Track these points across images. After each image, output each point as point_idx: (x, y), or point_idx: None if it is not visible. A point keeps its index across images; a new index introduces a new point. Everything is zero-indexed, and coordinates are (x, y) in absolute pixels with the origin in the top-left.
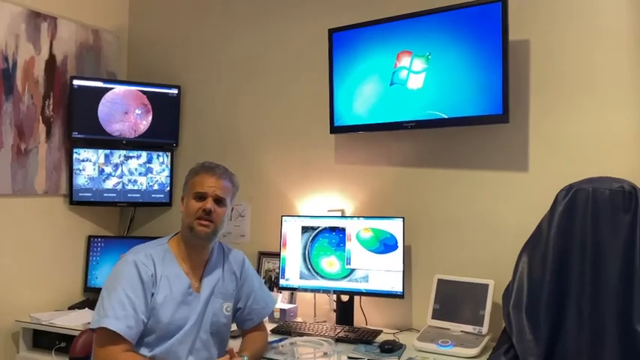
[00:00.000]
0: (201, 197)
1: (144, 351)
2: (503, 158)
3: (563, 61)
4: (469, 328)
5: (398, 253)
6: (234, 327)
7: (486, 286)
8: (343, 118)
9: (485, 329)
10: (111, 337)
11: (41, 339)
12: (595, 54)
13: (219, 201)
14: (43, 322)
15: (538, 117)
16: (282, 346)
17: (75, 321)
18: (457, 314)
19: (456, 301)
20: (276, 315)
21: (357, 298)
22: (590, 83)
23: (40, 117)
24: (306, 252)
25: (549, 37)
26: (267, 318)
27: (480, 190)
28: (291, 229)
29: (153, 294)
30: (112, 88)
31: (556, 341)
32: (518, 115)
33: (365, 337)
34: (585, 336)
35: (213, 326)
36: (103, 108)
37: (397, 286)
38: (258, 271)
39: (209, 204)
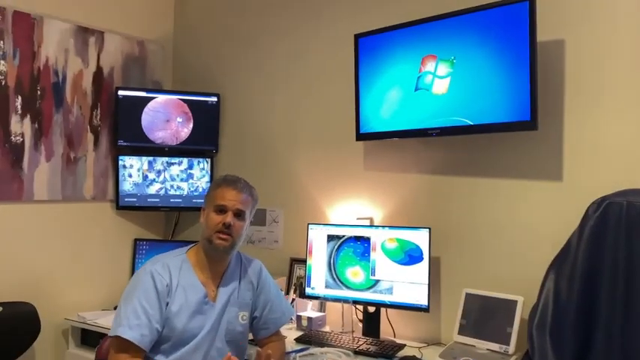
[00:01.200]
0: (222, 210)
1: (160, 358)
2: (536, 167)
3: (602, 62)
4: (495, 346)
5: (423, 265)
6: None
7: (515, 302)
8: (369, 125)
9: (511, 348)
10: (123, 344)
11: (88, 336)
12: (638, 54)
13: (238, 215)
14: (88, 321)
15: (574, 122)
16: (300, 356)
17: None
18: (484, 331)
19: (483, 317)
20: (304, 323)
21: (383, 309)
22: (632, 86)
23: (88, 127)
24: (332, 261)
25: (586, 36)
26: (295, 325)
27: (512, 200)
28: (317, 237)
29: (168, 303)
30: (155, 98)
31: None
32: (551, 121)
33: (386, 351)
34: None
35: (228, 335)
36: (146, 117)
37: (422, 300)
38: (290, 277)
39: (229, 218)
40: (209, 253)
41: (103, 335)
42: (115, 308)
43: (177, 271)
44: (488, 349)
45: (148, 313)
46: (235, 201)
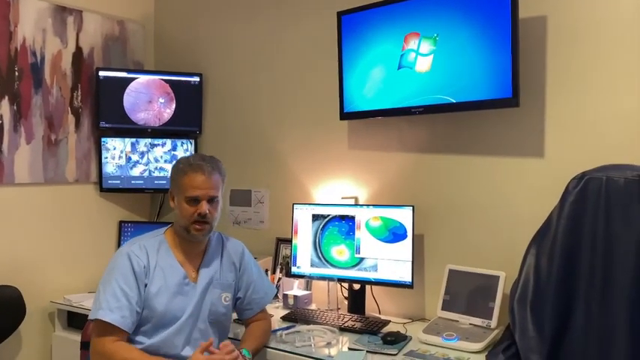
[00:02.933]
0: (195, 200)
1: (141, 339)
2: (518, 143)
3: (584, 38)
4: (478, 321)
5: (407, 243)
6: (234, 316)
7: (497, 277)
8: (353, 104)
9: (494, 323)
10: (105, 327)
11: (74, 319)
12: (620, 31)
13: (211, 200)
14: (74, 304)
15: (556, 99)
16: (285, 334)
17: None
18: (467, 306)
19: (466, 292)
20: (290, 302)
21: (368, 286)
22: (614, 63)
23: (69, 108)
24: (317, 240)
25: (569, 12)
26: (281, 304)
27: (494, 177)
28: (303, 217)
29: (147, 285)
30: (136, 78)
31: (562, 340)
32: (533, 98)
33: (371, 328)
34: (593, 336)
35: (211, 316)
36: (128, 98)
37: (406, 276)
38: (276, 256)
39: (203, 207)
40: (186, 239)
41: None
42: None
43: (155, 252)
44: (471, 324)
45: (127, 295)
46: (206, 189)
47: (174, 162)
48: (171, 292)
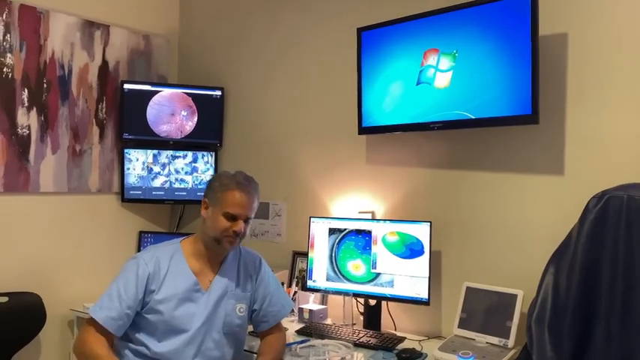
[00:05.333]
0: (233, 218)
1: (152, 344)
2: (537, 161)
3: (605, 56)
4: (495, 340)
5: (424, 259)
6: (250, 328)
7: (515, 296)
8: (371, 119)
9: (511, 342)
10: (93, 324)
11: None
12: None
13: (247, 220)
14: None
15: (575, 117)
16: (300, 348)
17: None
18: (484, 324)
19: (483, 310)
20: (306, 315)
21: (384, 302)
22: (635, 80)
23: (94, 120)
24: (333, 254)
25: (590, 30)
26: (297, 318)
27: (513, 194)
28: (319, 231)
29: (154, 291)
30: (160, 91)
31: None
32: (552, 115)
33: (386, 344)
34: (614, 356)
35: (226, 327)
36: (152, 110)
37: (423, 293)
38: (292, 270)
39: (239, 226)
40: (211, 249)
41: None
42: None
43: (168, 259)
44: (487, 343)
45: (121, 298)
46: (246, 209)
47: (214, 174)
48: (179, 297)
